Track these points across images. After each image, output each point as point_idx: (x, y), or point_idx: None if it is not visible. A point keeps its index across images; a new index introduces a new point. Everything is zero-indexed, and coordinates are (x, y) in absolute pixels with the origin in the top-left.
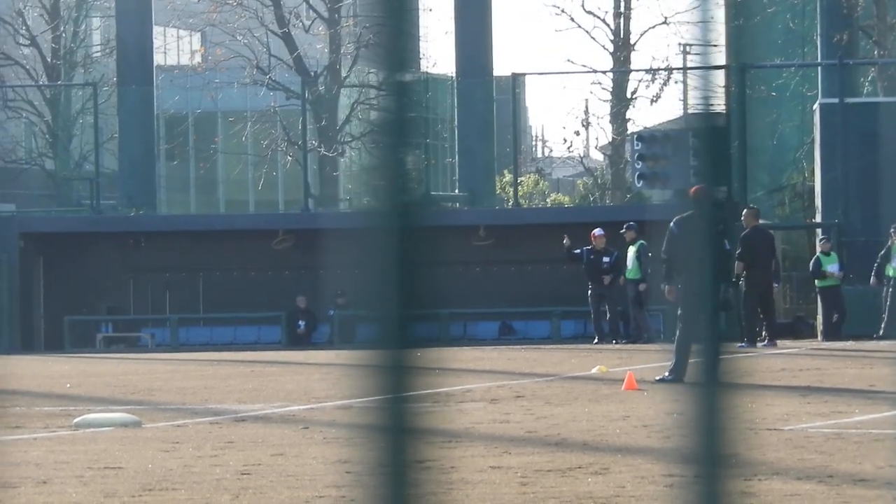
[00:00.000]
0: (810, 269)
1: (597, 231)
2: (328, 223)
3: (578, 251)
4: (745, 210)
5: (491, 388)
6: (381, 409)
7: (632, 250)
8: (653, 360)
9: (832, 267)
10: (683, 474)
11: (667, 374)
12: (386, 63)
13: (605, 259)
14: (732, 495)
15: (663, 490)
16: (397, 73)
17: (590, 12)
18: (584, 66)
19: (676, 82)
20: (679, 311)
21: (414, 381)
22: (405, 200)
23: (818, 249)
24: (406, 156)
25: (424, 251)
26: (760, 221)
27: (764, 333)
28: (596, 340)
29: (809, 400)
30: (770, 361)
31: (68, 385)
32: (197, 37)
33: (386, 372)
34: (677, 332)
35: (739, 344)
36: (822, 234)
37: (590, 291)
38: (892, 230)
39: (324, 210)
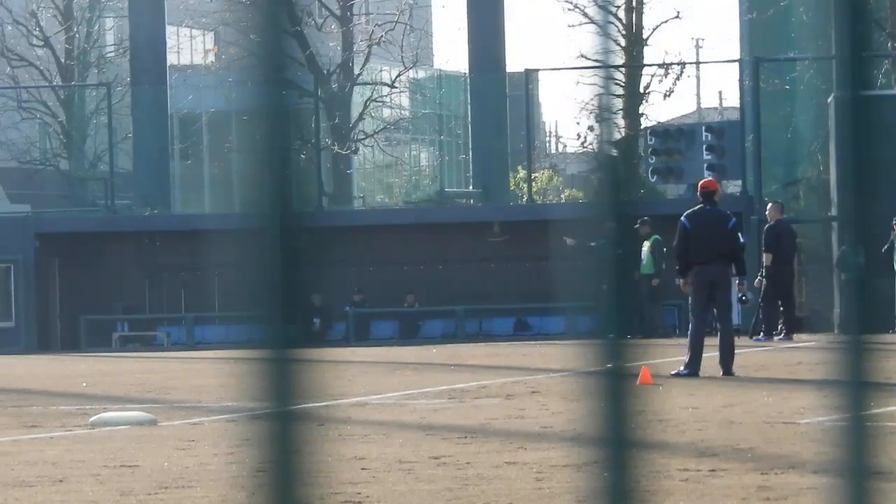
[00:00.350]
0: (835, 262)
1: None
2: (344, 221)
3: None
4: (770, 204)
5: (506, 384)
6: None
7: (646, 245)
8: (668, 354)
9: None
10: (699, 469)
11: (682, 368)
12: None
13: (619, 251)
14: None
15: (679, 484)
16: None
17: (602, 7)
18: (596, 61)
19: (689, 77)
20: (690, 305)
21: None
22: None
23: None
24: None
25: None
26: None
27: (780, 327)
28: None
29: (826, 393)
30: (787, 355)
31: (84, 384)
32: (210, 36)
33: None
34: (690, 326)
35: (756, 337)
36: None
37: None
38: (894, 223)
39: (338, 208)
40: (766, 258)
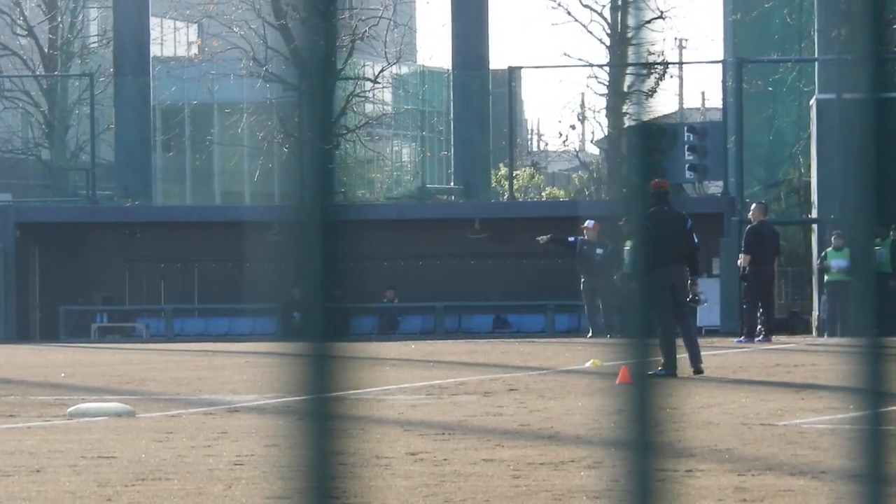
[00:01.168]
0: (817, 263)
1: (588, 223)
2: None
3: (572, 239)
4: (753, 204)
5: (484, 381)
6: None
7: (628, 245)
8: (647, 354)
9: (837, 262)
10: (676, 469)
11: (660, 368)
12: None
13: (599, 251)
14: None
15: (657, 485)
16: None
17: (587, 6)
18: (580, 59)
19: (672, 77)
20: (657, 308)
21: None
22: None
23: (832, 244)
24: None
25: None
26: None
27: (759, 328)
28: (590, 334)
29: (804, 396)
30: (765, 357)
31: (63, 374)
32: (194, 28)
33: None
34: (658, 329)
35: (737, 339)
36: (836, 230)
37: (582, 285)
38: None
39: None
40: (742, 259)
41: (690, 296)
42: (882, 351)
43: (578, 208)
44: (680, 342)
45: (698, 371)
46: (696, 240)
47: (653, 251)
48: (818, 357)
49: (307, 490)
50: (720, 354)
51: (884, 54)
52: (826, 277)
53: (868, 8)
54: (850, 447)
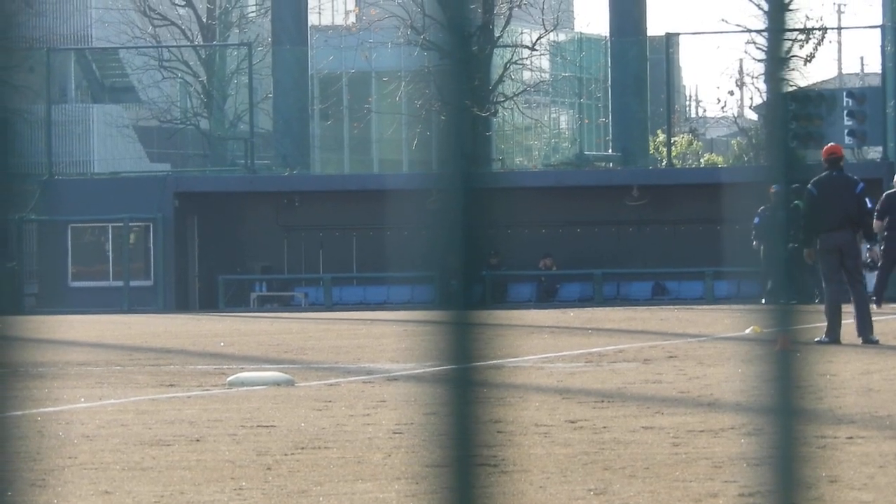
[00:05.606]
0: None
1: (774, 187)
2: (480, 183)
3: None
4: None
5: (643, 349)
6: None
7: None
8: (809, 320)
9: None
10: (836, 436)
11: (823, 336)
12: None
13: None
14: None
15: (816, 451)
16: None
17: None
18: (738, 25)
19: (831, 42)
20: (822, 272)
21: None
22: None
23: None
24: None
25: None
26: None
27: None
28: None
29: None
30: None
31: (222, 344)
32: None
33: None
34: (825, 294)
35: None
36: None
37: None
38: None
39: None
40: (876, 225)
41: (868, 260)
42: None
43: (737, 174)
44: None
45: (868, 341)
46: (868, 205)
47: (819, 216)
48: None
49: (465, 458)
50: (880, 320)
51: None
52: None
53: None
54: None
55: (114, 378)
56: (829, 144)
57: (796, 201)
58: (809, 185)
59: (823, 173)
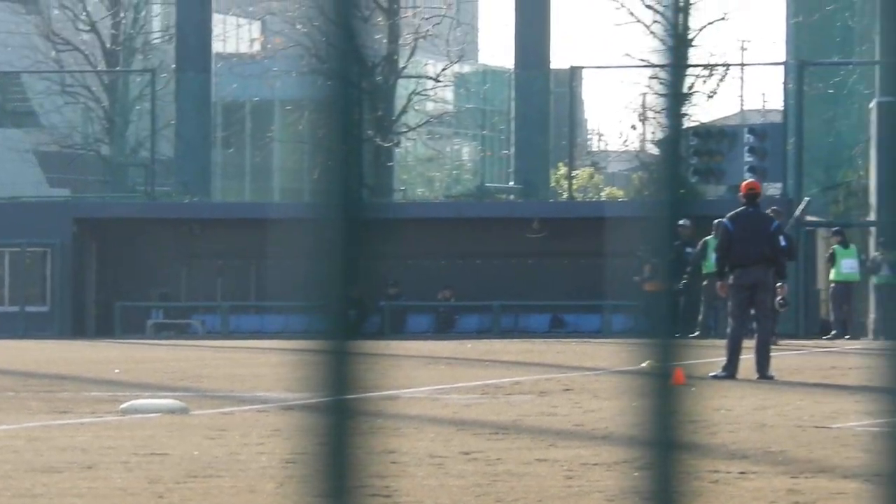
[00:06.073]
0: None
1: (683, 221)
2: (380, 213)
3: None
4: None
5: (539, 381)
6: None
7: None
8: (704, 355)
9: (847, 262)
10: (729, 470)
11: (720, 370)
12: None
13: (689, 250)
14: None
15: (708, 486)
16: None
17: (649, 6)
18: (641, 60)
19: (733, 78)
20: (729, 308)
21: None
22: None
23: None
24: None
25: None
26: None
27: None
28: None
29: (858, 398)
30: (820, 359)
31: (117, 371)
32: (256, 25)
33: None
34: (728, 329)
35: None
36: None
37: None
38: None
39: (377, 200)
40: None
41: (779, 299)
42: None
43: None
44: (750, 343)
45: (764, 377)
46: (782, 243)
47: (734, 252)
48: (874, 359)
49: (356, 489)
50: (775, 356)
51: None
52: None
53: None
54: None
55: (6, 404)
56: (748, 180)
57: (706, 237)
58: (725, 220)
59: (740, 208)
